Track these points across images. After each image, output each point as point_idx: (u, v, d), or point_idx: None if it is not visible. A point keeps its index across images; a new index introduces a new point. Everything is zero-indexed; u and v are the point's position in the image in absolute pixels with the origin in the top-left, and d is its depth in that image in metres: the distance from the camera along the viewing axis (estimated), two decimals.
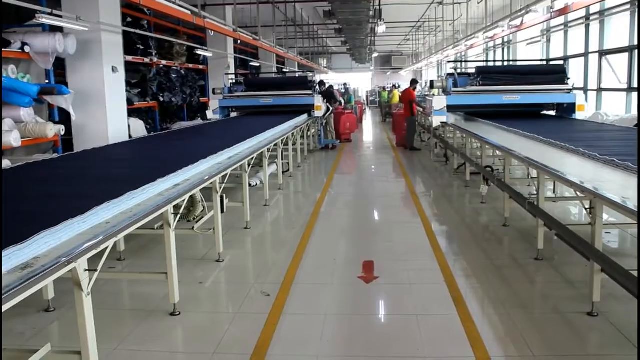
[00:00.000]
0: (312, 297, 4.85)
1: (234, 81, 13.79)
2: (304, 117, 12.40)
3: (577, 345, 3.89)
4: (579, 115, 9.56)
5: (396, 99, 25.96)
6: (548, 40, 16.44)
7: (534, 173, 5.75)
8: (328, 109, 15.01)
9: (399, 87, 28.31)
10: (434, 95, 11.19)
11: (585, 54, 13.60)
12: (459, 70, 11.50)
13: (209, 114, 12.19)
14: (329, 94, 15.74)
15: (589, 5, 10.58)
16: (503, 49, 21.09)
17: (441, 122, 10.21)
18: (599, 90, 12.71)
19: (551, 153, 5.71)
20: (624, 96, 11.58)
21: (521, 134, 7.19)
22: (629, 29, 11.43)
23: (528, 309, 4.45)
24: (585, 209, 4.43)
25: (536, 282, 5.15)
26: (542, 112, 10.45)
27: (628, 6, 11.31)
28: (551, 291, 4.87)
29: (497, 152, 7.69)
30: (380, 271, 5.40)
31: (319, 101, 12.90)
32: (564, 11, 10.42)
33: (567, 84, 9.91)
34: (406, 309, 4.59)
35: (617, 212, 3.66)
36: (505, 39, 18.26)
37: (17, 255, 2.41)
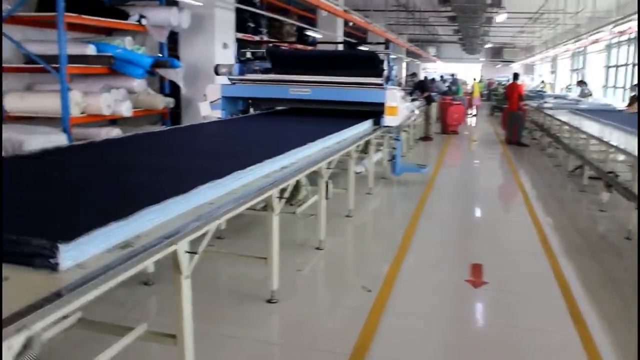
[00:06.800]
0: (416, 297, 4.52)
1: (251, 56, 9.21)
2: (367, 124, 6.97)
3: None
4: None
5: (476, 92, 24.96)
6: None
7: None
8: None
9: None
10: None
11: None
12: None
13: (203, 109, 7.31)
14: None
15: None
16: (628, 46, 19.47)
17: None
18: None
19: None
20: None
21: None
22: None
23: None
24: None
25: None
26: None
27: None
28: None
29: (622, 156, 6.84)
30: (489, 275, 4.98)
31: (393, 99, 7.00)
32: None
33: None
34: (517, 320, 4.16)
35: None
36: (632, 36, 16.77)
37: (118, 233, 2.24)
